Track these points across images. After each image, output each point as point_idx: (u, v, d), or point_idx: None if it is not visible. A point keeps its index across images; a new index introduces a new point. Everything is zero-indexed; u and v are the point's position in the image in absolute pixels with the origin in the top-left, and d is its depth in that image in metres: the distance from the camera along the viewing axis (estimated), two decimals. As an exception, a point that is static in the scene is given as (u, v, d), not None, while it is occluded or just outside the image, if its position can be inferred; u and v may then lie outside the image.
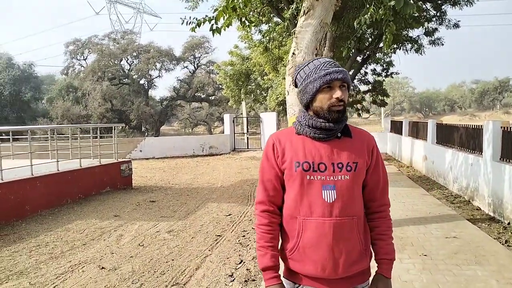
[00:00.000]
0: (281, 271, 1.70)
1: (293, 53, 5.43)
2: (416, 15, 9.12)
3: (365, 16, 5.47)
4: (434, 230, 5.56)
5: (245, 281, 4.13)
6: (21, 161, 8.52)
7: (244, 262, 4.65)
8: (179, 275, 4.34)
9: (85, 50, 33.60)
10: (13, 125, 23.04)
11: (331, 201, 1.55)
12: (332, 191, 1.55)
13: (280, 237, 1.70)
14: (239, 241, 5.46)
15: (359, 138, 1.65)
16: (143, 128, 34.78)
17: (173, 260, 4.81)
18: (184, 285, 4.10)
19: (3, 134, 13.70)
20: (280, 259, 1.68)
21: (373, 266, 1.69)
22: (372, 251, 1.70)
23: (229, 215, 6.98)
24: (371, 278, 1.69)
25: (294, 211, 1.60)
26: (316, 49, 5.35)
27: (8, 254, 5.07)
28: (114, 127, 10.68)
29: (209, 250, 5.13)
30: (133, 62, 33.87)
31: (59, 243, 5.53)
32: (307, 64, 1.63)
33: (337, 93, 1.55)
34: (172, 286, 4.07)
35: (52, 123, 27.80)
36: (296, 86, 1.68)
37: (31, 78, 34.88)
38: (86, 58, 34.15)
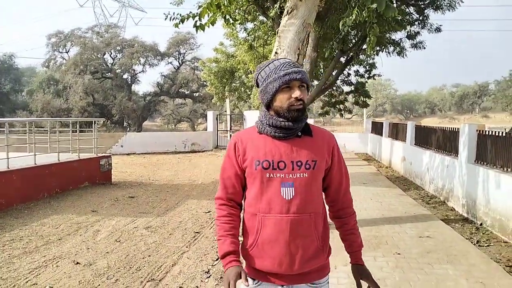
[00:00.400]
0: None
1: (276, 52, 5.46)
2: (399, 18, 9.27)
3: (349, 18, 5.54)
4: (408, 229, 5.67)
5: (221, 277, 4.14)
6: (-3, 153, 8.33)
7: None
8: (155, 271, 4.32)
9: (67, 43, 33.00)
10: (-10, 117, 22.51)
11: (289, 198, 1.59)
12: (291, 188, 1.59)
13: (241, 233, 1.73)
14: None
15: (319, 137, 1.69)
16: (125, 123, 34.38)
17: (149, 256, 4.79)
18: (159, 281, 4.09)
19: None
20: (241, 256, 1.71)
21: (338, 261, 1.75)
22: (331, 249, 1.75)
23: (209, 212, 6.97)
24: (331, 274, 1.77)
25: (254, 208, 1.64)
26: (299, 49, 5.39)
27: (-20, 248, 4.97)
28: (95, 121, 10.54)
29: (187, 247, 5.12)
30: (116, 56, 33.44)
31: (34, 238, 5.44)
32: (268, 65, 1.67)
33: (296, 93, 1.59)
34: (147, 282, 4.06)
35: (32, 116, 27.23)
36: (257, 86, 1.71)
37: (11, 69, 34.11)
38: (68, 51, 33.55)
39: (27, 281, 4.00)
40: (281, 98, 1.61)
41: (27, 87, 33.14)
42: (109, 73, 32.93)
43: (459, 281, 3.95)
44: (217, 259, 4.64)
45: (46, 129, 9.84)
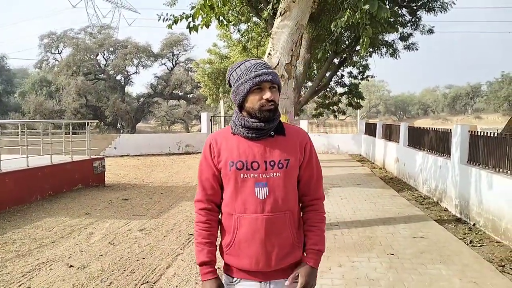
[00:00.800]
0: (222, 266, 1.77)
1: (269, 54, 5.48)
2: (392, 19, 9.33)
3: (342, 19, 5.57)
4: (402, 230, 5.70)
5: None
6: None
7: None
8: (149, 274, 4.31)
9: (60, 44, 32.78)
10: (-18, 119, 22.29)
11: (263, 198, 1.62)
12: (264, 188, 1.62)
13: (219, 233, 1.77)
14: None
15: (293, 135, 1.72)
16: (118, 125, 34.21)
17: (144, 258, 4.77)
18: (154, 283, 4.07)
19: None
20: (219, 254, 1.75)
21: None
22: None
23: (203, 213, 6.95)
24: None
25: (230, 208, 1.67)
26: (292, 50, 5.41)
27: (-28, 251, 4.92)
28: (88, 123, 10.48)
29: (181, 249, 5.11)
30: (109, 57, 33.28)
31: (26, 241, 5.40)
32: (239, 66, 1.69)
33: (267, 94, 1.61)
34: (142, 284, 4.04)
35: (24, 118, 27.01)
36: (230, 86, 1.73)
37: (3, 70, 33.83)
38: (61, 52, 33.32)
39: (20, 285, 3.97)
40: (252, 100, 1.63)
41: (19, 89, 32.89)
42: (102, 75, 32.77)
43: (453, 280, 3.98)
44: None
45: (39, 131, 9.78)
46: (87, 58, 31.66)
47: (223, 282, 1.73)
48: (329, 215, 6.55)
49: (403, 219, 6.34)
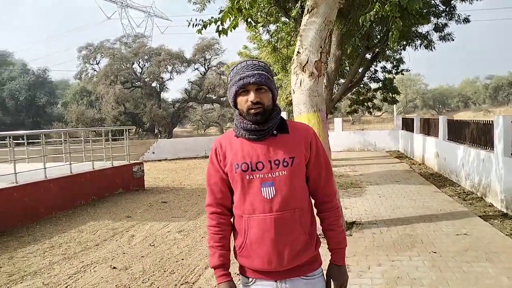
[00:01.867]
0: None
1: (298, 52, 5.44)
2: (425, 10, 9.05)
3: (371, 12, 5.45)
4: (444, 227, 5.50)
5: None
6: (36, 164, 8.69)
7: None
8: (188, 274, 4.39)
9: (97, 55, 33.98)
10: (29, 130, 23.50)
11: (270, 197, 1.61)
12: (271, 187, 1.62)
13: (233, 236, 1.77)
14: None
15: (296, 133, 1.70)
16: (156, 130, 35.06)
17: (183, 259, 4.88)
18: (193, 284, 4.15)
19: (20, 139, 13.97)
20: (234, 257, 1.76)
21: (324, 254, 1.76)
22: (320, 240, 1.75)
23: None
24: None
25: (240, 210, 1.68)
26: (321, 47, 5.35)
27: (23, 255, 5.20)
28: (126, 129, 10.83)
29: (219, 250, 5.17)
30: (144, 65, 34.15)
31: (72, 244, 5.65)
32: (233, 68, 1.69)
33: (250, 97, 1.60)
34: (181, 285, 4.13)
35: (67, 127, 28.23)
36: None
37: (46, 83, 35.51)
38: (98, 62, 34.55)
39: (66, 286, 4.15)
40: (240, 102, 1.64)
41: (61, 99, 34.42)
42: (139, 82, 33.69)
43: (500, 279, 3.80)
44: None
45: (81, 138, 10.20)
46: (123, 67, 32.65)
47: (240, 283, 1.75)
48: (366, 214, 6.43)
49: (445, 216, 6.11)
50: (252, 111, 1.60)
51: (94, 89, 32.03)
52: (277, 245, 1.61)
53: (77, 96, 32.87)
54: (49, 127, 30.05)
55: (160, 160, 17.56)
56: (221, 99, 34.78)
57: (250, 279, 1.70)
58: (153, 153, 18.03)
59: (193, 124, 42.69)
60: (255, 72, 1.60)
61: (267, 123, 1.64)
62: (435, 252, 4.56)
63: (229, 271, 1.74)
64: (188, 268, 4.57)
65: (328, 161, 1.78)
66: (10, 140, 8.11)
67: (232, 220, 1.77)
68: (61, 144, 9.96)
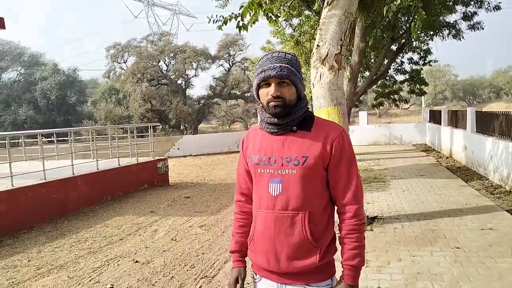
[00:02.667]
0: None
1: (317, 45, 5.39)
2: (449, 2, 8.76)
3: (394, 3, 5.33)
4: (469, 222, 5.35)
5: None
6: (65, 161, 9.00)
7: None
8: (208, 268, 4.46)
9: (125, 53, 34.66)
10: (60, 128, 24.29)
11: (275, 195, 1.58)
12: (278, 184, 1.57)
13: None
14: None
15: (319, 131, 1.60)
16: (181, 127, 35.53)
17: (203, 253, 4.95)
18: (212, 277, 4.21)
19: (51, 136, 14.47)
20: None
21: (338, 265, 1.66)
22: (335, 249, 1.67)
23: (260, 209, 7.04)
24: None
25: (253, 202, 1.69)
26: (341, 40, 5.27)
27: (51, 249, 5.41)
28: (150, 126, 11.02)
29: (239, 244, 5.21)
30: (170, 62, 34.59)
31: (97, 239, 5.83)
32: (259, 60, 1.66)
33: (271, 90, 1.56)
34: (201, 279, 4.19)
35: (96, 125, 29.02)
36: None
37: (76, 82, 36.53)
38: (126, 61, 35.24)
39: (90, 279, 4.30)
40: (262, 95, 1.61)
41: (91, 98, 35.34)
42: (164, 80, 34.17)
43: (526, 275, 3.67)
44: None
45: (108, 136, 10.47)
46: (150, 65, 33.16)
47: (251, 278, 1.76)
48: (389, 208, 6.33)
49: (470, 210, 5.94)
50: (272, 103, 1.56)
51: (122, 87, 32.76)
52: (274, 245, 1.58)
53: (105, 95, 33.67)
54: (79, 125, 30.95)
55: (185, 156, 17.81)
56: (245, 94, 34.88)
57: (257, 276, 1.70)
58: (178, 149, 18.30)
59: (218, 120, 43.02)
60: (278, 64, 1.54)
61: (287, 118, 1.59)
62: (458, 247, 4.45)
63: (245, 259, 1.76)
64: (208, 263, 4.64)
65: (354, 168, 1.62)
66: (40, 138, 8.42)
67: None
68: (89, 141, 10.26)
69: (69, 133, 8.37)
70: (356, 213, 1.59)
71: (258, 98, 1.66)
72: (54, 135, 9.67)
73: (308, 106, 1.68)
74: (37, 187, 6.92)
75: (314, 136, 1.59)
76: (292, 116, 1.59)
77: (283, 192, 1.56)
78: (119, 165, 9.16)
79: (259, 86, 1.61)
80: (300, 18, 12.73)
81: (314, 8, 8.32)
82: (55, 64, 35.84)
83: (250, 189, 1.75)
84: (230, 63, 34.94)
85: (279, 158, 1.58)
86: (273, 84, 1.56)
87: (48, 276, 4.44)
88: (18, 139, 13.63)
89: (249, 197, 1.76)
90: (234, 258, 1.77)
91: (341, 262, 1.62)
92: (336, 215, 1.69)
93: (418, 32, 5.58)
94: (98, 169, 8.41)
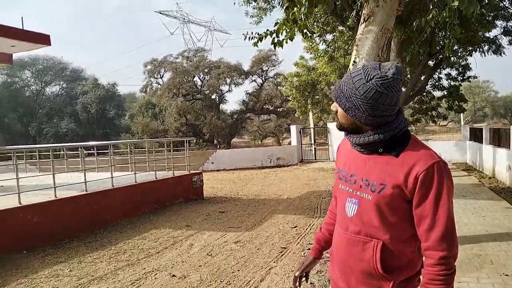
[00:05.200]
0: None
1: (354, 61, 5.36)
2: (491, 15, 8.53)
3: (426, 18, 5.25)
4: (518, 247, 5.08)
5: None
6: (104, 173, 9.28)
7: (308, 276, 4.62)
8: (244, 286, 4.44)
9: (161, 69, 35.77)
10: (99, 140, 25.19)
11: (350, 215, 1.54)
12: (354, 205, 1.51)
13: None
14: (304, 254, 5.44)
15: (406, 159, 1.41)
16: (215, 141, 35.98)
17: (239, 270, 4.93)
18: (248, 295, 4.18)
19: (91, 149, 15.00)
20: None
21: None
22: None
23: (295, 227, 6.98)
24: None
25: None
26: (378, 56, 5.22)
27: (91, 260, 5.55)
28: (186, 140, 11.23)
29: (274, 262, 5.17)
30: (204, 78, 35.33)
31: (135, 251, 5.94)
32: None
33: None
34: (237, 296, 4.18)
35: (133, 138, 29.86)
36: None
37: (115, 96, 37.87)
38: (162, 76, 36.34)
39: (130, 292, 4.37)
40: None
41: (128, 112, 36.48)
42: (199, 95, 34.87)
43: None
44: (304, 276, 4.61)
45: (145, 149, 10.74)
46: (185, 80, 34.00)
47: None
48: (429, 229, 6.10)
49: (518, 234, 5.65)
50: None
51: (158, 101, 33.65)
52: (345, 267, 1.56)
53: (142, 109, 34.66)
54: (118, 138, 31.93)
55: (218, 170, 17.97)
56: (278, 109, 35.05)
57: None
58: (212, 163, 18.50)
59: (251, 134, 43.27)
60: (334, 89, 1.47)
61: (359, 138, 1.48)
62: (507, 275, 4.22)
63: (321, 251, 1.88)
64: (243, 280, 4.61)
65: (443, 208, 1.37)
66: (81, 151, 8.75)
67: None
68: (128, 154, 10.56)
69: (109, 146, 8.65)
70: (440, 261, 1.38)
71: None
72: (95, 148, 10.02)
73: (403, 126, 1.47)
74: (78, 198, 7.16)
75: (399, 163, 1.41)
76: (365, 138, 1.46)
77: (358, 215, 1.50)
78: (156, 178, 9.34)
79: None
80: (334, 34, 12.73)
81: (348, 23, 8.29)
82: (95, 78, 37.34)
83: None
84: (263, 79, 35.27)
85: (359, 178, 1.50)
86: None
87: (88, 287, 4.55)
88: (60, 151, 14.23)
89: None
90: (313, 246, 1.90)
91: None
92: None
93: (452, 49, 5.45)
94: (136, 181, 8.62)
